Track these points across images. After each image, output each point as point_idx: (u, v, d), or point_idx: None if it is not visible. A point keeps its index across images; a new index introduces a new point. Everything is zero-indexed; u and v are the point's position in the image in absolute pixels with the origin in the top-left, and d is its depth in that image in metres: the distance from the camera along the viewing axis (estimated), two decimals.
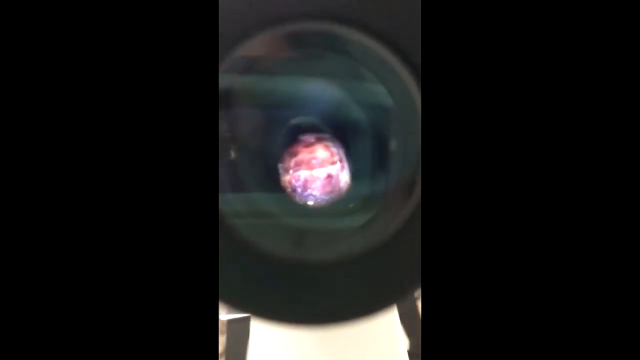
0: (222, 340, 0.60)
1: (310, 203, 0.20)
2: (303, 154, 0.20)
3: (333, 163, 0.20)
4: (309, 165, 0.20)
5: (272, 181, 0.20)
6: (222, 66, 0.18)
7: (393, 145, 0.20)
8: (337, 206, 0.21)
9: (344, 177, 0.20)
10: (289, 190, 0.20)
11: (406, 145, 0.19)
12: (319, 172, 0.20)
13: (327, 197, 0.20)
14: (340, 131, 0.21)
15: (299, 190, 0.20)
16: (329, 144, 0.21)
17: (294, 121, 0.21)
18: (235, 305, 0.18)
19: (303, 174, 0.20)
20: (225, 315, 0.59)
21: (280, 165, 0.20)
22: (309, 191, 0.20)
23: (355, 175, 0.21)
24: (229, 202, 0.19)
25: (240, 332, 0.58)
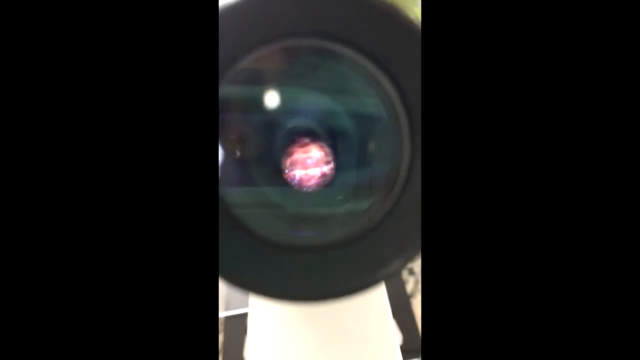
0: (219, 337, 0.60)
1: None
2: (298, 154, 0.21)
3: (327, 163, 0.21)
4: (304, 165, 0.21)
5: (272, 175, 0.21)
6: (226, 77, 0.18)
7: (378, 146, 0.21)
8: (329, 196, 0.22)
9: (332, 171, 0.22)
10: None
11: (389, 146, 0.20)
12: (313, 171, 0.21)
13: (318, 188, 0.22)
14: (332, 134, 0.22)
15: (294, 188, 0.21)
16: (323, 144, 0.21)
17: (291, 124, 0.22)
18: (236, 282, 0.19)
19: (298, 173, 0.21)
20: (222, 312, 0.60)
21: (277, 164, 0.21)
22: (303, 189, 0.21)
23: (344, 170, 0.22)
24: (233, 194, 0.20)
25: (237, 329, 0.58)
